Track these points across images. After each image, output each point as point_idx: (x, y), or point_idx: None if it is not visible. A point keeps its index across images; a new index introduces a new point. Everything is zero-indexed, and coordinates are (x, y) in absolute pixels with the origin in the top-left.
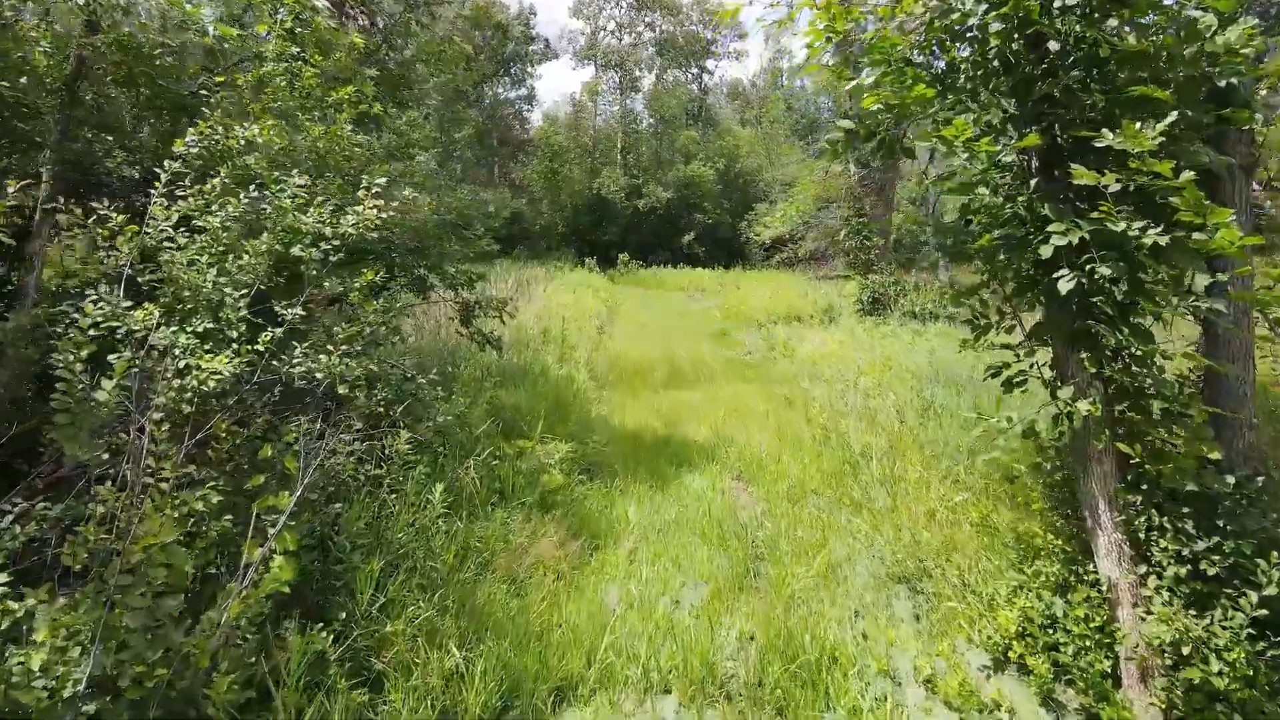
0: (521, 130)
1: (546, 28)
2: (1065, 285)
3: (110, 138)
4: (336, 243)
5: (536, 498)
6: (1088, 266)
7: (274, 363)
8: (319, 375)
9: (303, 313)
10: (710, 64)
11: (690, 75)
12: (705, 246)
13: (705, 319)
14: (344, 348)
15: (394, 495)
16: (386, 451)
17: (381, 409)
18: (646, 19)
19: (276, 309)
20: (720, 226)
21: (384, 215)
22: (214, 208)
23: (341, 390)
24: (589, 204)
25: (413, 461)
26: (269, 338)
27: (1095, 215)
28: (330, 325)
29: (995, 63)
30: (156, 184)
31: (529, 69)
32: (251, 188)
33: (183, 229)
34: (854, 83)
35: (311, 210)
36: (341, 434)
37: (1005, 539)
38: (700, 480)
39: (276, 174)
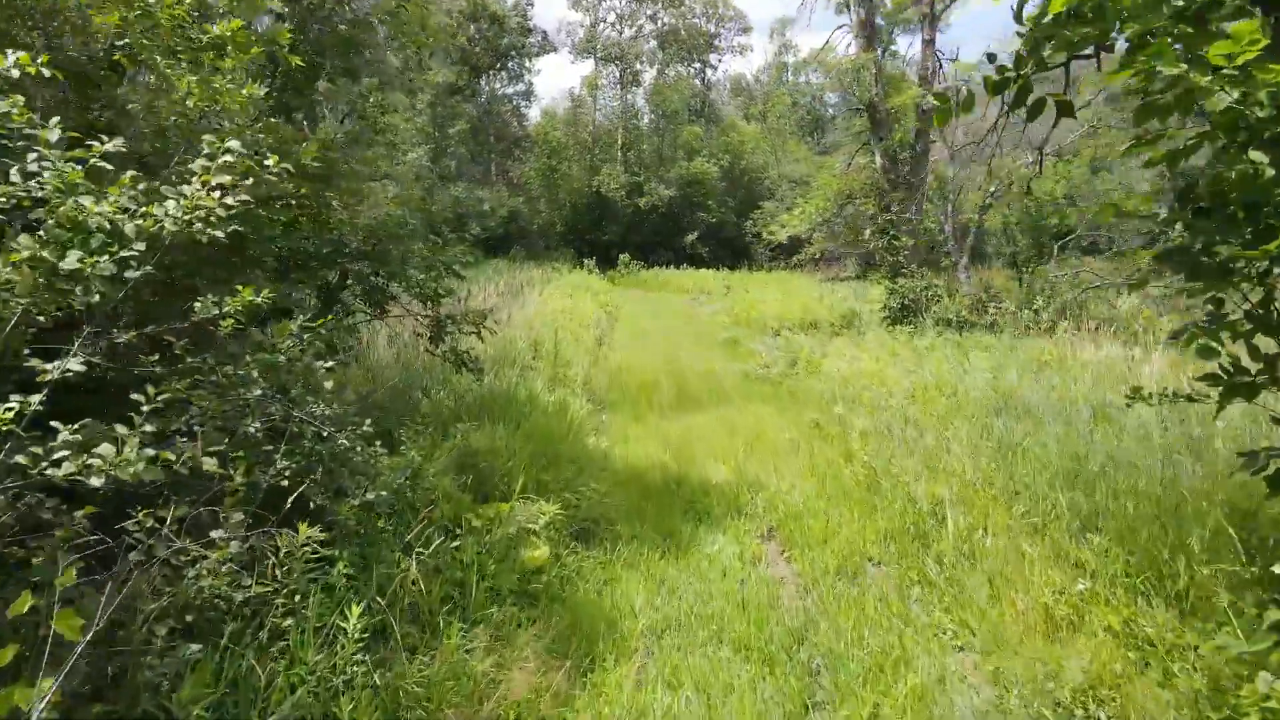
0: (519, 127)
1: (545, 20)
2: None
3: None
4: (141, 247)
5: (513, 585)
6: None
7: (18, 458)
8: (93, 481)
9: (80, 368)
10: (713, 58)
11: (693, 70)
12: (709, 246)
13: (713, 325)
14: (148, 427)
15: (289, 621)
16: (281, 554)
17: (286, 483)
18: (648, 11)
19: (36, 364)
20: (724, 226)
21: (238, 200)
22: None
23: (208, 467)
24: (588, 203)
25: (325, 558)
26: (10, 413)
27: None
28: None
29: None
30: None
31: (526, 63)
32: (32, 158)
33: None
34: None
35: (110, 195)
36: (212, 533)
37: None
38: (725, 544)
39: (44, 128)
